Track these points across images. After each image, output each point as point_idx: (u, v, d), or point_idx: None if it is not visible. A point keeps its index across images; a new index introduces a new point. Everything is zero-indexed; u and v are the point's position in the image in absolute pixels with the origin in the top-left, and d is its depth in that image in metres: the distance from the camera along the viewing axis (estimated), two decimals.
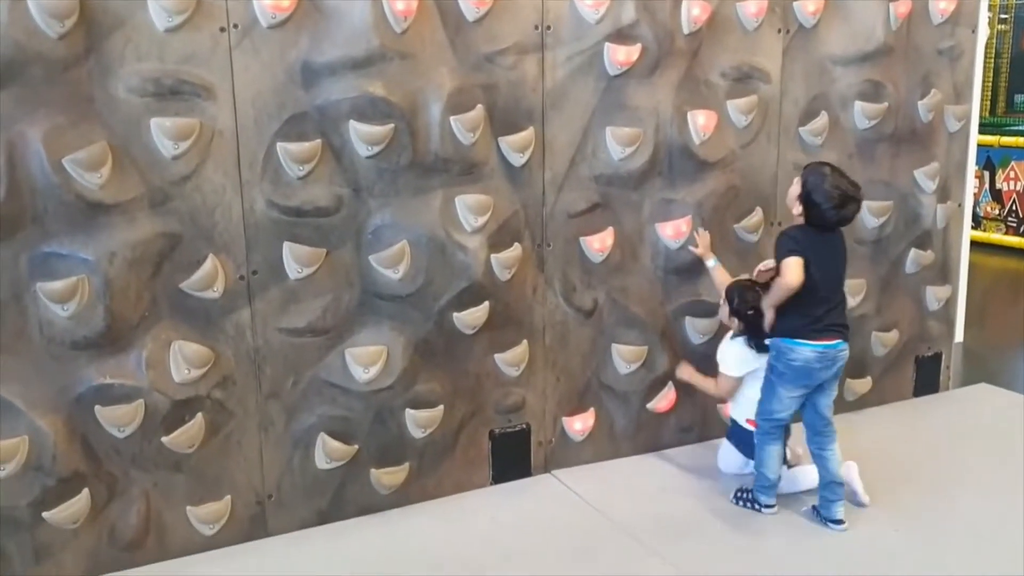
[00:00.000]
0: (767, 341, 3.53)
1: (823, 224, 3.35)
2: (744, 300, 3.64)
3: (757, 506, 3.57)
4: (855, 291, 4.40)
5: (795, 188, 3.38)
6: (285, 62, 3.17)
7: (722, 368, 3.78)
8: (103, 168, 2.95)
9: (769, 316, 3.48)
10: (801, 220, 3.39)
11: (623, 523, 3.52)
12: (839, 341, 3.40)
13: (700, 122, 3.86)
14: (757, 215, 4.14)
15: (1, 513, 3.03)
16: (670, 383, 4.07)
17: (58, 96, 2.89)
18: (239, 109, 3.14)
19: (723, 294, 3.74)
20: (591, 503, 3.68)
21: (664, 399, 4.07)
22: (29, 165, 2.87)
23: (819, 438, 3.50)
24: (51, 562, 3.13)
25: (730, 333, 3.79)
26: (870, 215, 4.37)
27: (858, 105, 4.24)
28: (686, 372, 3.94)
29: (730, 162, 4.03)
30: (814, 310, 3.37)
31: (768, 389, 3.51)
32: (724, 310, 3.74)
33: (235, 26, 3.08)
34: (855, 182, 3.40)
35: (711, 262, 3.87)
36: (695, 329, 4.06)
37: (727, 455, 3.90)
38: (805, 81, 4.15)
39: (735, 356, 3.74)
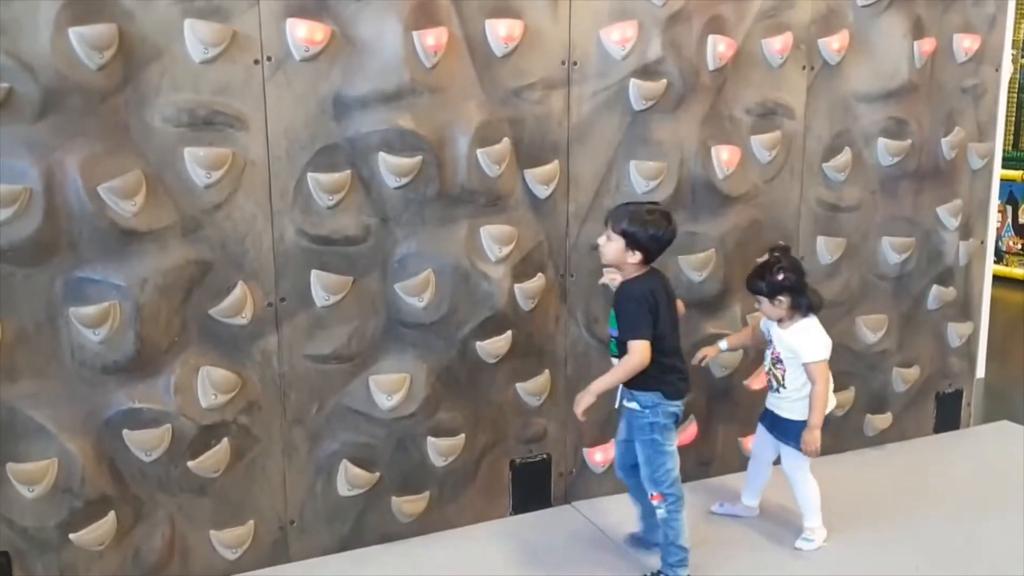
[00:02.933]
0: (633, 404, 3.26)
1: (661, 248, 3.19)
2: (780, 266, 3.41)
3: None
4: (876, 327, 4.41)
5: (615, 244, 3.16)
6: (317, 94, 3.23)
7: (810, 356, 3.44)
8: (137, 196, 3.01)
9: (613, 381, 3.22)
10: (637, 271, 3.20)
11: (643, 556, 3.52)
12: None
13: (724, 157, 3.89)
14: None
15: (29, 533, 3.07)
16: (691, 416, 4.08)
17: (95, 125, 2.96)
18: (271, 140, 3.20)
19: (756, 287, 3.49)
20: (611, 535, 3.68)
21: (685, 432, 4.07)
22: (66, 192, 2.93)
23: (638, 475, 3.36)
24: None
25: (786, 323, 3.50)
26: (892, 251, 4.38)
27: (882, 142, 4.27)
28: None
29: (753, 196, 4.06)
30: (675, 361, 3.25)
31: (655, 451, 3.23)
32: (767, 307, 3.49)
33: (268, 59, 3.15)
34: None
35: (723, 344, 3.79)
36: (717, 363, 4.07)
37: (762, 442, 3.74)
38: (829, 117, 4.18)
39: (815, 337, 3.46)
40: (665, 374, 3.21)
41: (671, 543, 3.27)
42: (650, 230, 3.14)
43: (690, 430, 4.09)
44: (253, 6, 3.09)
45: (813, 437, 3.45)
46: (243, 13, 3.08)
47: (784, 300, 3.46)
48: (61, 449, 3.04)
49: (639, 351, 3.13)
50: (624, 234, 3.15)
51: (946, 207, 4.50)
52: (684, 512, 3.28)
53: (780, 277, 3.43)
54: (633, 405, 3.26)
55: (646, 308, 3.15)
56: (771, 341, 3.60)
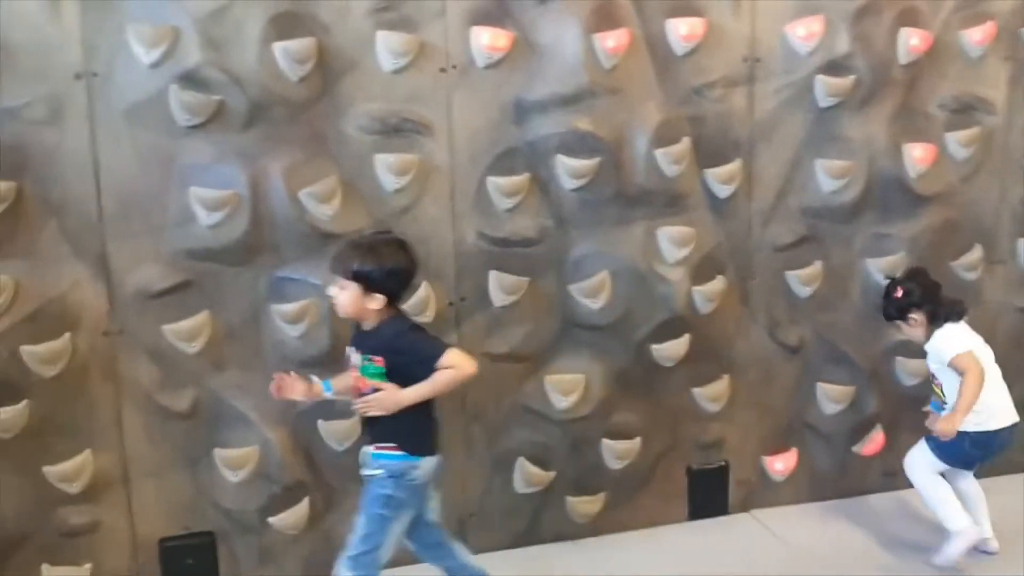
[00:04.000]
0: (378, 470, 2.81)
1: (403, 285, 2.77)
2: (897, 284, 3.38)
3: None
4: None
5: (349, 292, 2.71)
6: (499, 100, 3.31)
7: (951, 351, 3.29)
8: (334, 200, 3.18)
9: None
10: (383, 317, 2.75)
11: (824, 569, 3.40)
12: None
13: (917, 155, 3.71)
14: (976, 252, 3.92)
15: (233, 516, 3.30)
16: (878, 425, 3.90)
17: (296, 134, 3.15)
18: (455, 145, 3.30)
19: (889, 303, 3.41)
20: (792, 545, 3.57)
21: (872, 442, 3.91)
22: (270, 197, 3.14)
23: (439, 549, 2.99)
24: (273, 565, 3.37)
25: (925, 338, 3.41)
26: None
27: None
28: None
29: (948, 196, 3.84)
30: (433, 411, 2.85)
31: (379, 525, 2.78)
32: (907, 329, 3.43)
33: (454, 67, 3.26)
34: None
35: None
36: (906, 370, 3.88)
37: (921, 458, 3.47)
38: None
39: (953, 335, 3.34)
40: (422, 422, 2.81)
41: None
42: (386, 265, 2.68)
43: (876, 439, 3.91)
44: (440, 16, 3.20)
45: (952, 422, 3.23)
46: (430, 23, 3.20)
47: (917, 317, 3.37)
48: (262, 437, 3.25)
49: (459, 357, 2.73)
50: (356, 277, 2.69)
51: None
52: None
53: (899, 294, 3.35)
54: (376, 471, 2.79)
55: (423, 330, 2.84)
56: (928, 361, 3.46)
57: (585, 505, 3.64)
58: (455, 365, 2.70)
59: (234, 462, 3.23)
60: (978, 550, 3.47)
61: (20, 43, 2.86)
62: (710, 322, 3.65)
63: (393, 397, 2.74)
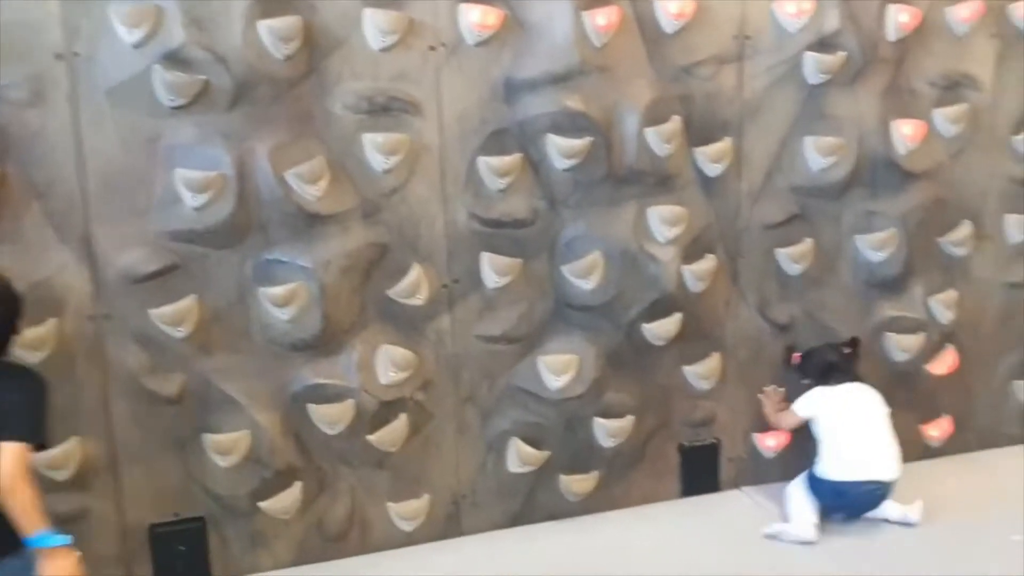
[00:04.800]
0: None
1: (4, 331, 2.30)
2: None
3: None
4: None
5: None
6: (489, 78, 3.28)
7: (797, 403, 3.63)
8: (321, 181, 3.14)
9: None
10: None
11: (815, 544, 3.42)
12: None
13: (906, 132, 3.71)
14: (965, 228, 3.94)
15: (224, 500, 3.27)
16: None
17: (282, 114, 3.10)
18: (444, 124, 3.26)
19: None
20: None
21: None
22: (256, 178, 3.09)
23: None
24: (265, 549, 3.35)
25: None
26: None
27: None
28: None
29: (937, 173, 3.85)
30: None
31: None
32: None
33: (443, 44, 3.21)
34: None
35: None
36: (897, 346, 3.90)
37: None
38: (1021, 88, 3.91)
39: (812, 396, 3.61)
40: None
41: None
42: None
43: None
44: None
45: (771, 413, 3.74)
46: (419, 0, 3.15)
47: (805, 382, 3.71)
48: (251, 421, 3.22)
49: (16, 459, 2.15)
50: None
51: None
52: None
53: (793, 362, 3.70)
54: None
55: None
56: None
57: (578, 483, 3.64)
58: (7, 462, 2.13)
59: (224, 447, 3.20)
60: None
61: (0, 23, 2.79)
62: (701, 301, 3.65)
63: None
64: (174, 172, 3.00)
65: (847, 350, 3.68)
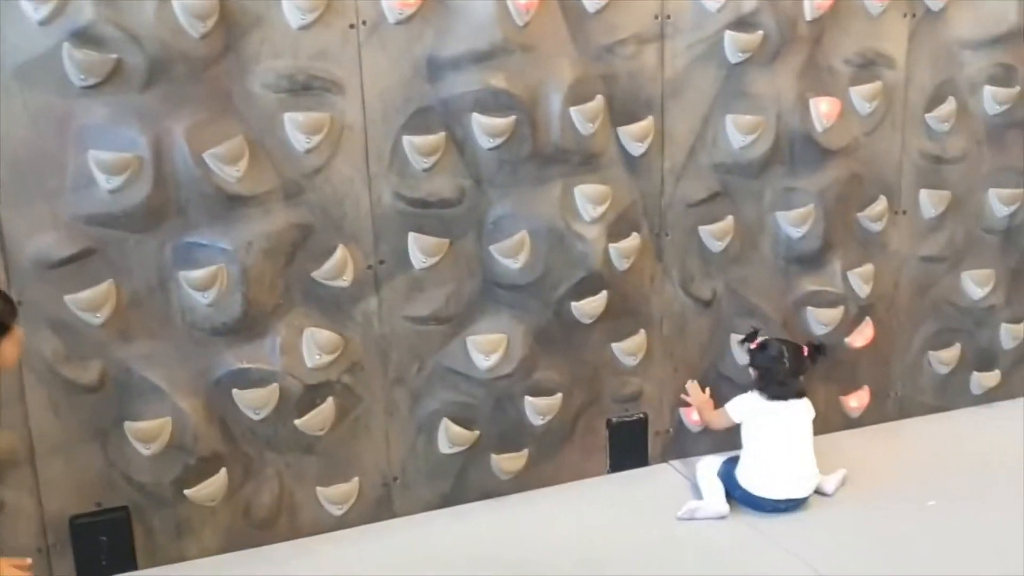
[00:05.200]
0: None
1: None
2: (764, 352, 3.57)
3: None
4: (983, 282, 4.26)
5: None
6: (411, 57, 3.25)
7: (728, 404, 3.64)
8: (241, 161, 3.08)
9: None
10: None
11: (741, 513, 3.50)
12: None
13: (823, 109, 3.79)
14: (881, 204, 4.04)
15: (147, 489, 3.20)
16: None
17: (200, 93, 3.03)
18: (367, 103, 3.23)
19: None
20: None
21: None
22: (174, 159, 3.02)
23: None
24: (191, 537, 3.29)
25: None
26: (1000, 203, 4.22)
27: (988, 90, 4.09)
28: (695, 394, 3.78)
29: (853, 150, 3.94)
30: None
31: None
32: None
33: (363, 23, 3.17)
34: None
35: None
36: (817, 320, 3.99)
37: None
38: (932, 66, 4.02)
39: (743, 399, 3.61)
40: None
41: None
42: None
43: None
44: None
45: (697, 407, 3.79)
46: None
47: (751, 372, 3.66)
48: (174, 408, 3.15)
49: None
50: None
51: None
52: None
53: (752, 347, 3.62)
54: None
55: None
56: None
57: (509, 462, 3.66)
58: None
59: (146, 435, 3.13)
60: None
61: None
62: (626, 278, 3.68)
63: None
64: (87, 154, 2.92)
65: (806, 352, 3.62)
